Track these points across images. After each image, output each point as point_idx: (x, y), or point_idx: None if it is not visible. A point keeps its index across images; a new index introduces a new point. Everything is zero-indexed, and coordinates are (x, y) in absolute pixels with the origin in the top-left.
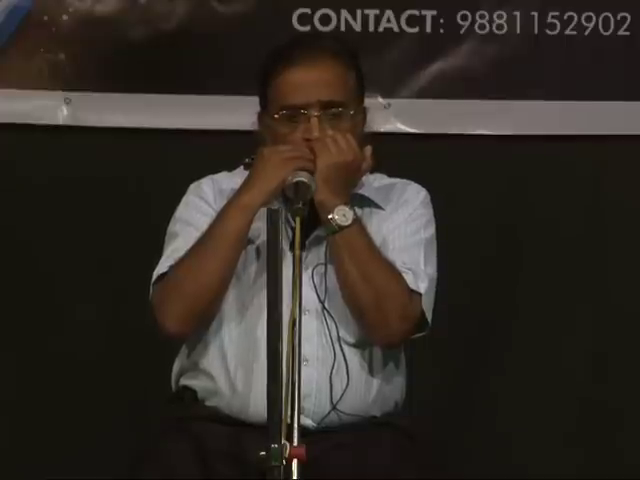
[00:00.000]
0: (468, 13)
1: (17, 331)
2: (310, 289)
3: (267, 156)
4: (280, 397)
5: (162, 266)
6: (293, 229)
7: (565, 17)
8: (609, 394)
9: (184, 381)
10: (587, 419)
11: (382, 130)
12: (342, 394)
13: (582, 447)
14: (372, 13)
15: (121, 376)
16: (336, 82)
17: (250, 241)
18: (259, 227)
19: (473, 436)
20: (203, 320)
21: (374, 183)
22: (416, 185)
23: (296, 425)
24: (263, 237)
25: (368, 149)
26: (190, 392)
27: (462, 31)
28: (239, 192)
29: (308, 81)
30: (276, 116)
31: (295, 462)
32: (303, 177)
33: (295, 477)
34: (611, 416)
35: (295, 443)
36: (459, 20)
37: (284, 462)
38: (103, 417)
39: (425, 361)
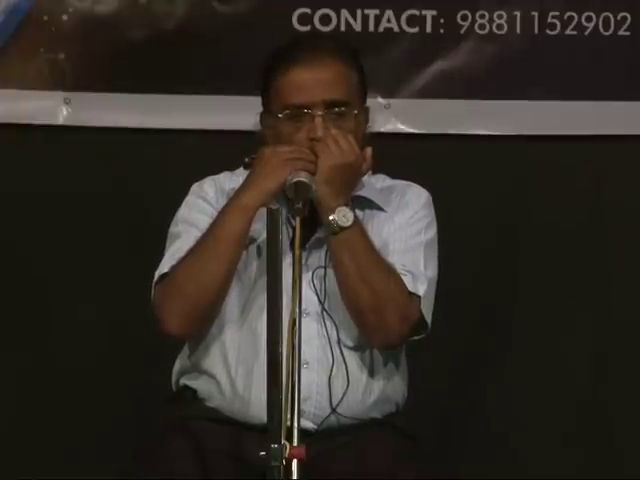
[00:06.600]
0: (468, 13)
1: (17, 331)
2: (310, 291)
3: (268, 156)
4: (280, 399)
5: (163, 267)
6: (294, 229)
7: (565, 17)
8: (609, 394)
9: (185, 381)
10: (587, 419)
11: (382, 130)
12: (342, 397)
13: (582, 447)
14: (372, 13)
15: (121, 376)
16: (339, 81)
17: (251, 241)
18: (260, 227)
19: (473, 436)
20: (204, 320)
21: (376, 184)
22: (418, 187)
23: (296, 425)
24: (264, 236)
25: (368, 150)
26: (190, 391)
27: (462, 31)
28: (239, 192)
29: (311, 80)
30: (280, 116)
31: (295, 462)
32: (303, 177)
33: (295, 477)
34: (611, 416)
35: (295, 443)
36: (459, 20)
37: (284, 462)
38: (103, 417)
39: (425, 361)
